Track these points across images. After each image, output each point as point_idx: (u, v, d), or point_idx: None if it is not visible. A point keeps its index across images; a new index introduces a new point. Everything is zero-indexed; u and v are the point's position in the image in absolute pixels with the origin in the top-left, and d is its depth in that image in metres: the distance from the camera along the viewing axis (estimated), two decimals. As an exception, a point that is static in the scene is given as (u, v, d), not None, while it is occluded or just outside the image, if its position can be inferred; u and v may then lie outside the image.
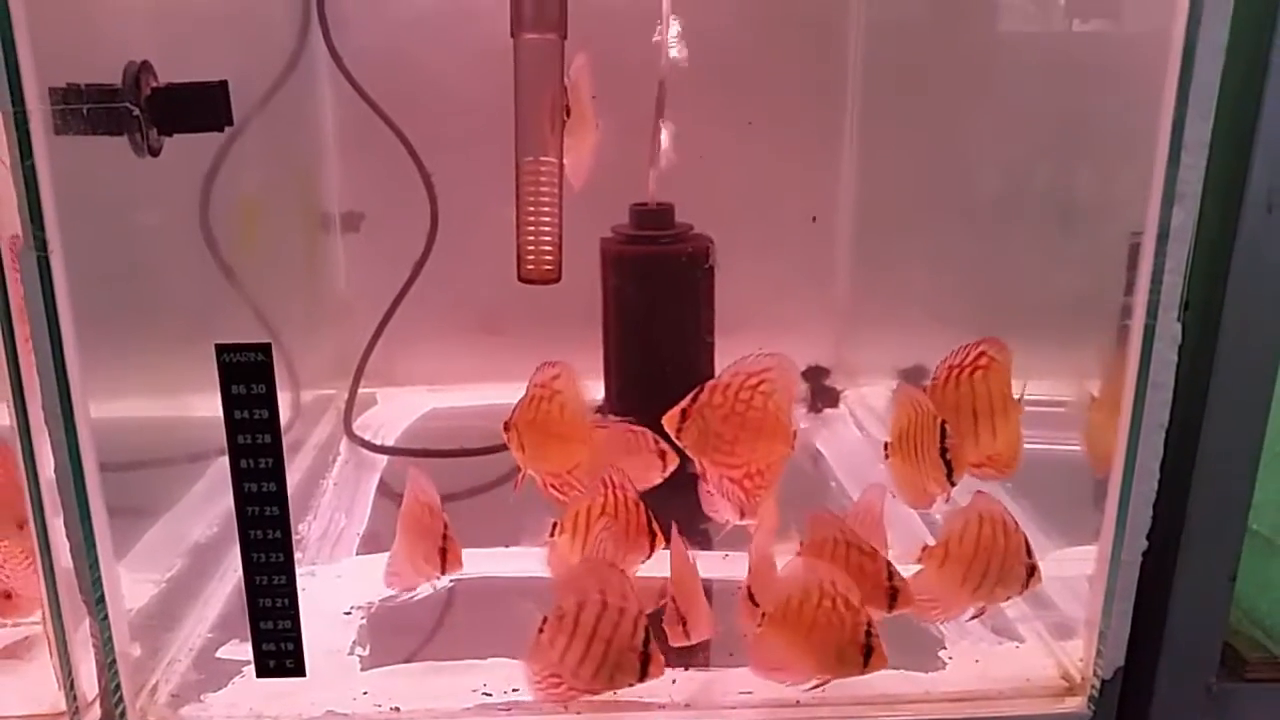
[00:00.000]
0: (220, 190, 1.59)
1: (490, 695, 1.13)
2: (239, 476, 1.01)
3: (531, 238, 1.03)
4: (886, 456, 1.19)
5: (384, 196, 1.95)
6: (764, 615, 1.08)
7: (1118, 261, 1.24)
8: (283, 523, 1.02)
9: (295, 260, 1.93)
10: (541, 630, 1.08)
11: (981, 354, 1.12)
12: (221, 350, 0.98)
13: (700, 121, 1.82)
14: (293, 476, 1.67)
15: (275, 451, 1.00)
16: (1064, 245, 1.56)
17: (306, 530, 1.53)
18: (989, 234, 1.71)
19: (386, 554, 1.42)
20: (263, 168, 1.77)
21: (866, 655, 1.05)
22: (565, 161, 1.14)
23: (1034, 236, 1.61)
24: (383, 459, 1.77)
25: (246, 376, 0.98)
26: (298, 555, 1.44)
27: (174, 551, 1.38)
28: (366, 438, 1.83)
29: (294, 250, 1.92)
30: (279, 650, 1.07)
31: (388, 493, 1.68)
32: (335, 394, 1.96)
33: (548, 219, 1.04)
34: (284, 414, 1.79)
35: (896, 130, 1.89)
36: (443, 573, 1.19)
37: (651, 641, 1.06)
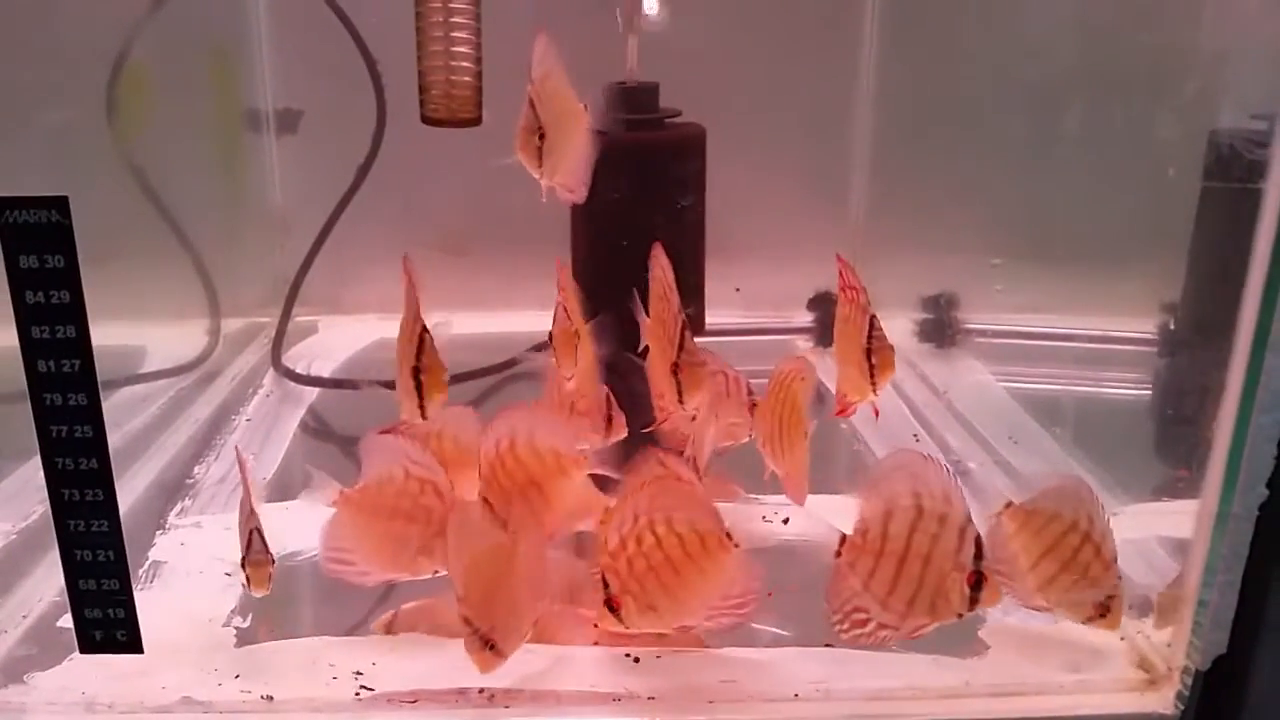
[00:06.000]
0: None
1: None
2: (38, 383, 0.74)
3: (440, 64, 0.74)
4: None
5: (325, 91, 1.67)
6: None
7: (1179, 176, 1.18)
8: (99, 448, 0.76)
9: (215, 164, 1.66)
10: (839, 553, 0.83)
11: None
12: (3, 206, 0.70)
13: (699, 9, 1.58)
14: (199, 411, 1.44)
15: (83, 350, 0.73)
16: (1113, 160, 1.36)
17: (203, 473, 1.27)
18: (1025, 147, 1.50)
19: (291, 503, 1.16)
20: (179, 55, 1.51)
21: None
22: (556, 182, 0.96)
23: (1080, 150, 1.41)
24: (312, 393, 1.51)
25: (39, 244, 0.71)
26: (186, 502, 1.20)
27: (34, 500, 1.12)
28: (298, 370, 1.56)
29: (213, 151, 1.65)
30: (106, 618, 0.80)
31: (312, 430, 1.42)
32: (269, 322, 1.69)
33: (463, 40, 0.75)
34: (201, 340, 1.60)
35: (924, 23, 1.63)
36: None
37: (984, 558, 0.80)
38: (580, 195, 0.98)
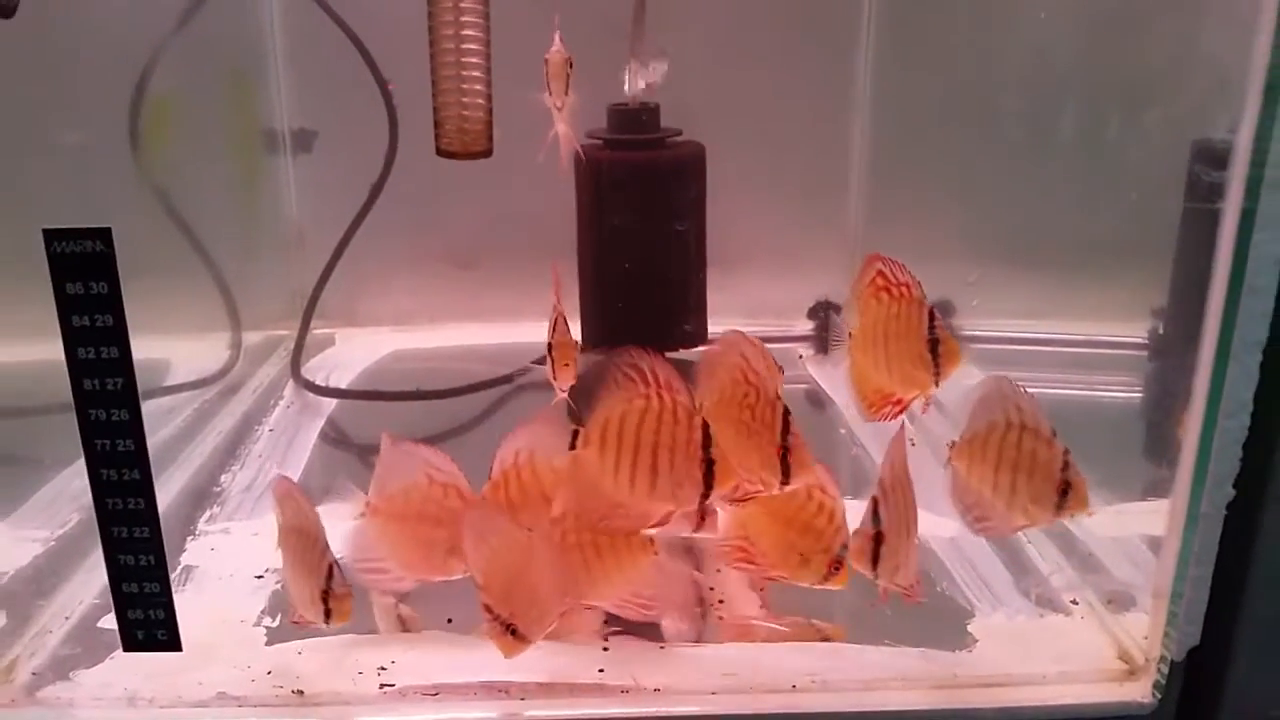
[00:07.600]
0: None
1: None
2: (83, 400, 0.80)
3: (453, 101, 0.80)
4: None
5: (339, 112, 1.73)
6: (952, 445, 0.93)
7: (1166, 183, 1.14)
8: (140, 460, 0.81)
9: (236, 183, 1.71)
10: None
11: None
12: (51, 238, 0.76)
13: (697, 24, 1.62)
14: (223, 422, 1.50)
15: (125, 369, 0.79)
16: (1105, 168, 1.37)
17: (229, 482, 1.33)
18: (1022, 154, 1.50)
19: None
20: (199, 77, 1.56)
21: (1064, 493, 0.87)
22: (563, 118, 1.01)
23: (1072, 158, 1.42)
24: (331, 404, 1.57)
25: (84, 272, 0.77)
26: (214, 510, 1.26)
27: (71, 507, 1.18)
28: (316, 381, 1.62)
29: (233, 171, 1.71)
30: (147, 619, 0.86)
31: (331, 440, 1.47)
32: (288, 334, 1.75)
33: (476, 75, 0.81)
34: (223, 354, 1.65)
35: (920, 33, 1.67)
36: None
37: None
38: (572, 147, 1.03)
